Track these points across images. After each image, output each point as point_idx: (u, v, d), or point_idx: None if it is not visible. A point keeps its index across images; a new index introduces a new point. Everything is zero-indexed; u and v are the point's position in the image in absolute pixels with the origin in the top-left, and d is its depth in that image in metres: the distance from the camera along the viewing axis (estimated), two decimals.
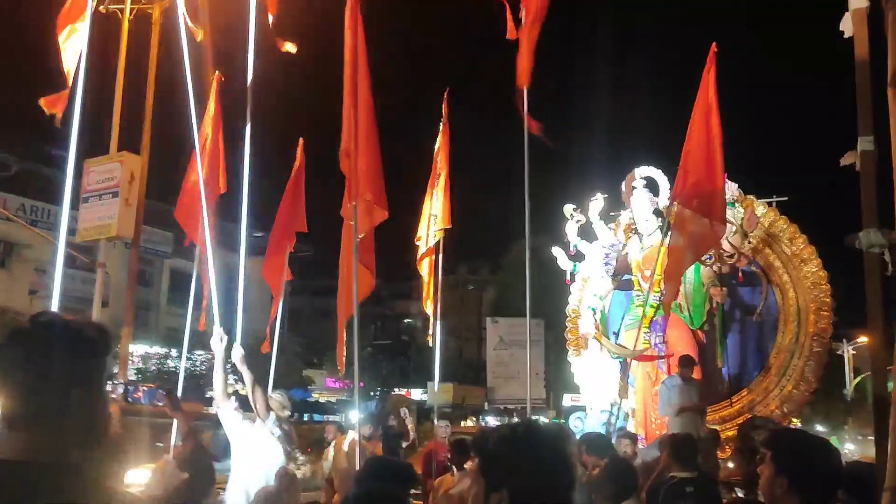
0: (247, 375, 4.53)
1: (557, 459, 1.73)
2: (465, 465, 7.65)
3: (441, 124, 7.35)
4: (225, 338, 4.53)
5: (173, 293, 29.07)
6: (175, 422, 4.75)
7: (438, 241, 7.37)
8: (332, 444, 8.71)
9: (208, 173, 7.09)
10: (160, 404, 3.90)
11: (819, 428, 32.67)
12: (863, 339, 35.76)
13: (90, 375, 1.43)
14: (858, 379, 37.30)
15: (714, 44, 6.28)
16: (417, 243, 7.59)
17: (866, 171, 3.10)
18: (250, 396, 4.50)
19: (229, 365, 4.61)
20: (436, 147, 7.36)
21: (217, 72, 7.45)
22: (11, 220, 18.33)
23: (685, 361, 8.61)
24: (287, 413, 5.49)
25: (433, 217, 7.26)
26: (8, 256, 30.61)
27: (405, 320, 46.50)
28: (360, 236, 5.41)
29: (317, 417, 34.21)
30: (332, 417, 32.25)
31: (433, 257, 7.60)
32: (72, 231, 14.77)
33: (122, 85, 11.11)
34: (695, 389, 8.42)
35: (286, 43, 5.84)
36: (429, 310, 7.91)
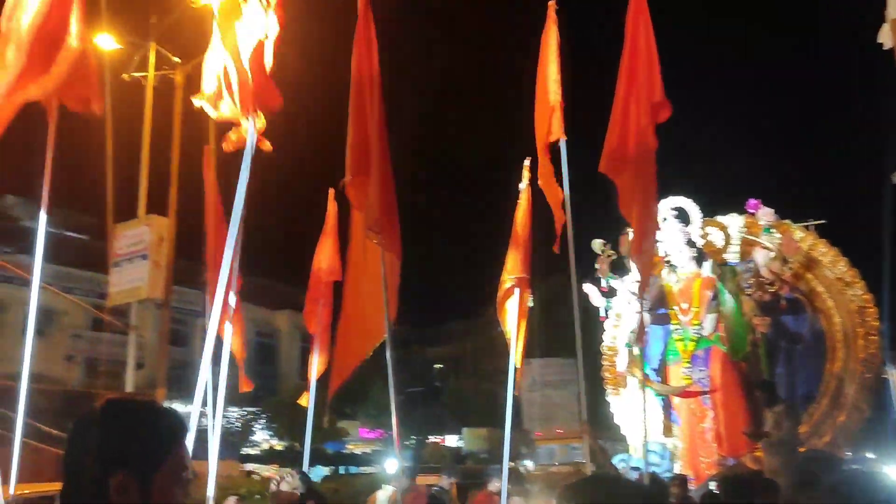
0: None
1: None
2: None
3: (525, 185, 7.65)
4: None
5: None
6: None
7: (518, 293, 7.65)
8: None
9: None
10: None
11: (869, 455, 31.45)
12: None
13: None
14: None
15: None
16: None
17: None
18: None
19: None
20: (518, 206, 7.64)
21: (207, 146, 7.52)
22: (47, 289, 18.54)
23: (762, 384, 8.25)
24: None
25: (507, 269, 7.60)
26: (44, 324, 31.01)
27: (435, 366, 46.03)
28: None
29: (353, 470, 33.76)
30: (366, 469, 31.78)
31: (521, 309, 7.87)
32: (103, 295, 14.91)
33: (149, 149, 11.30)
34: (774, 414, 7.64)
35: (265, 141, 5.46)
36: (516, 362, 8.11)
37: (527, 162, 7.31)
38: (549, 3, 6.83)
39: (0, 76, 4.41)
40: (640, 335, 9.63)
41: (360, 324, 5.95)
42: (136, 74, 11.88)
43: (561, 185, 6.42)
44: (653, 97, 5.75)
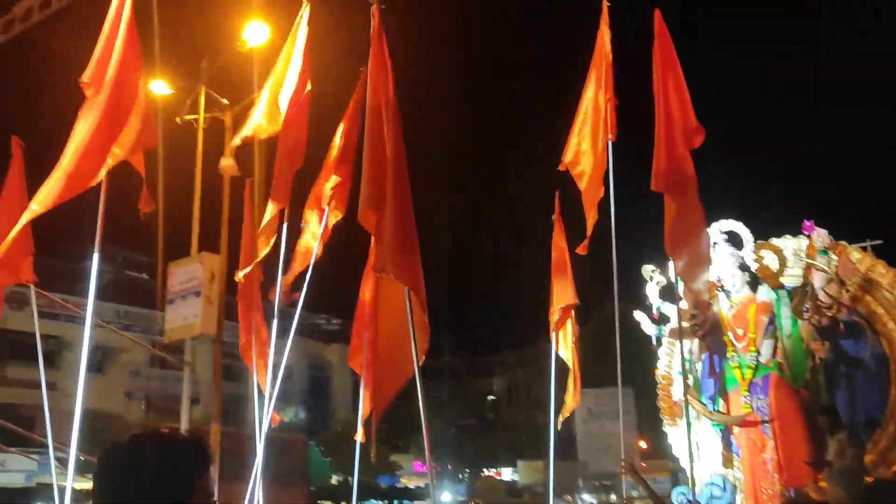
0: None
1: None
2: None
3: (554, 221, 7.62)
4: None
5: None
6: None
7: (564, 326, 7.61)
8: None
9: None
10: None
11: None
12: None
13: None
14: None
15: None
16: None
17: None
18: None
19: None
20: (554, 237, 7.60)
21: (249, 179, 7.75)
22: (105, 327, 19.16)
23: (824, 411, 7.97)
24: None
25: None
26: (104, 361, 31.94)
27: (488, 397, 45.66)
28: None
29: None
30: (420, 503, 31.52)
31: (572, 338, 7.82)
32: (160, 332, 15.31)
33: (200, 189, 11.67)
34: (836, 442, 7.33)
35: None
36: (570, 392, 8.05)
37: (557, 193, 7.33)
38: (604, 2, 6.76)
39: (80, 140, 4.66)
40: (710, 367, 9.43)
41: (392, 354, 5.88)
42: (188, 117, 12.34)
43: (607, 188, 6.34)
44: (687, 124, 5.69)
